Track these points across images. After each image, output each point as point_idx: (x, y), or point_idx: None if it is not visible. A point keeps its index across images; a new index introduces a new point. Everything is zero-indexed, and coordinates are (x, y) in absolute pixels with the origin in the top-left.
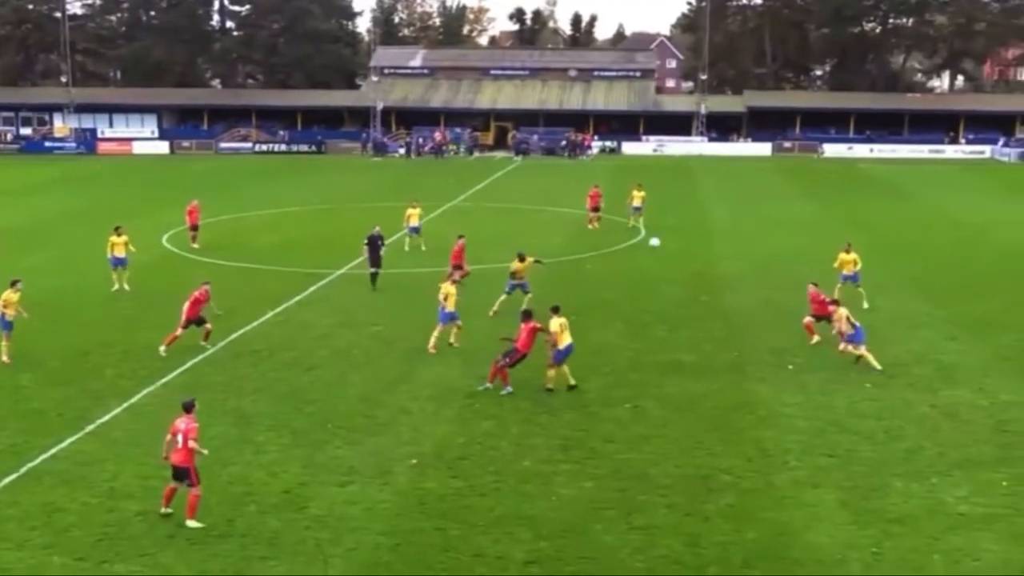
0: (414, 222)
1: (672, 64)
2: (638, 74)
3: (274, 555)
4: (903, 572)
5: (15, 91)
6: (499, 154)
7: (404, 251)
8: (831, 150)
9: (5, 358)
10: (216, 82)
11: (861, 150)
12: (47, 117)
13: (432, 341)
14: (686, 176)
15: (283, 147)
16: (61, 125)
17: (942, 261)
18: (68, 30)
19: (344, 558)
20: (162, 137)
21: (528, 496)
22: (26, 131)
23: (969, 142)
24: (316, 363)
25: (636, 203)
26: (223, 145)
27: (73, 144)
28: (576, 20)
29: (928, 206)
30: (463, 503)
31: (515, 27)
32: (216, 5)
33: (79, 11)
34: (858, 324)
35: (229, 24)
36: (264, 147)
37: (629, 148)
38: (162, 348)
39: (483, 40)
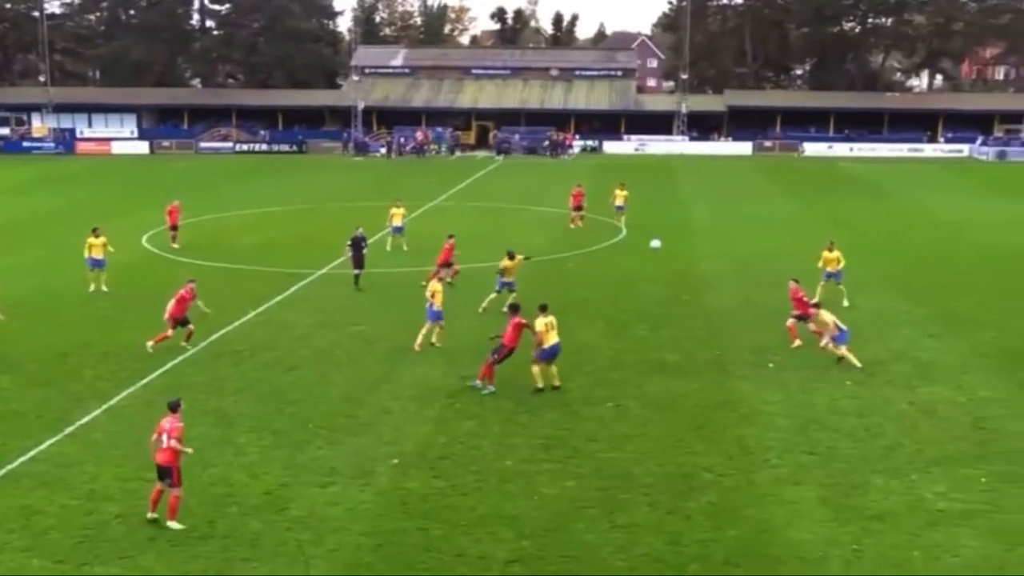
0: (397, 222)
1: (653, 63)
2: (619, 73)
3: (255, 556)
4: (883, 568)
5: None
6: (481, 153)
7: (386, 251)
8: (811, 149)
9: None
10: (196, 81)
11: (841, 149)
12: (25, 117)
13: (419, 339)
14: (667, 175)
15: (264, 147)
16: (40, 125)
17: (921, 259)
18: (46, 29)
19: (326, 559)
20: (142, 137)
21: (510, 495)
22: (4, 131)
23: (948, 141)
24: (297, 363)
25: (619, 202)
26: (203, 145)
27: (52, 144)
28: (557, 19)
29: (907, 205)
30: (445, 503)
31: (496, 26)
32: (196, 4)
33: (57, 10)
34: (844, 327)
35: (209, 23)
36: (245, 147)
37: (610, 147)
38: (150, 344)
39: (464, 40)
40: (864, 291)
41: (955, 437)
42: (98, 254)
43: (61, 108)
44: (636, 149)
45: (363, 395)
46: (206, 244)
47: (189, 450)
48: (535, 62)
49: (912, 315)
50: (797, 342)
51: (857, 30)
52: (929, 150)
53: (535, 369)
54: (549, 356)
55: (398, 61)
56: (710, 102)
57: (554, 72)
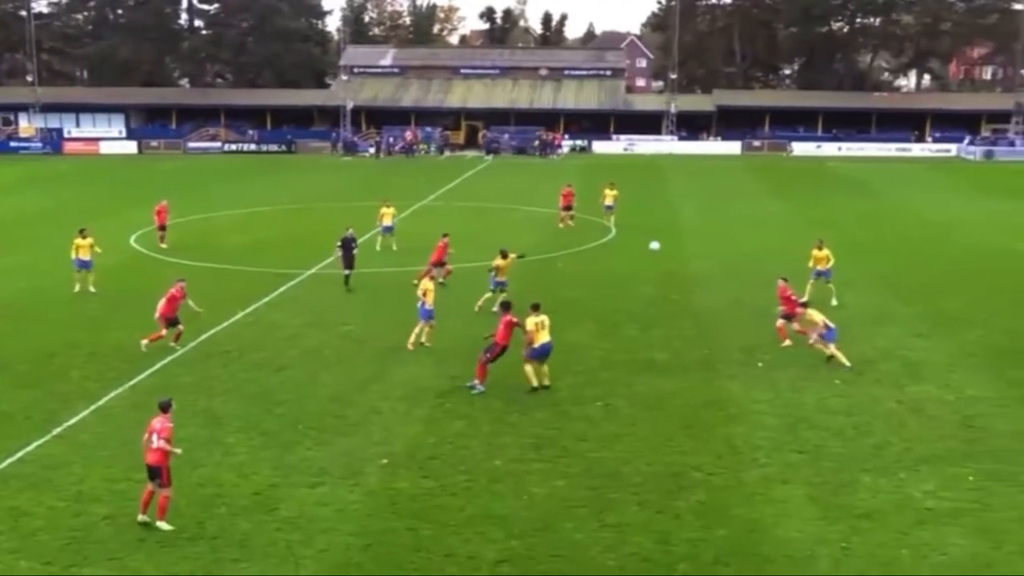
0: (387, 221)
1: (642, 63)
2: (608, 73)
3: (245, 557)
4: (872, 567)
5: None
6: (470, 153)
7: (376, 250)
8: (800, 149)
9: None
10: (184, 81)
11: (829, 149)
12: (12, 117)
13: (412, 338)
14: (656, 175)
15: (252, 147)
16: (27, 125)
17: (909, 259)
18: (34, 29)
19: (315, 559)
20: (130, 137)
21: (499, 495)
22: None
23: (935, 141)
24: (286, 363)
25: (608, 202)
26: (192, 145)
27: (39, 144)
28: (546, 19)
29: (895, 204)
30: (434, 503)
31: (485, 26)
32: (184, 4)
33: (45, 9)
34: (832, 325)
35: (197, 23)
36: (233, 147)
37: (600, 147)
38: (144, 343)
39: (453, 39)
40: (852, 290)
41: (943, 435)
42: (85, 255)
43: (48, 108)
44: (625, 149)
45: (352, 395)
46: (194, 244)
47: (178, 451)
48: (524, 62)
49: (900, 314)
50: (787, 342)
51: (845, 30)
52: (917, 150)
53: (528, 368)
54: (539, 355)
55: (387, 61)
56: (699, 102)
57: (543, 72)
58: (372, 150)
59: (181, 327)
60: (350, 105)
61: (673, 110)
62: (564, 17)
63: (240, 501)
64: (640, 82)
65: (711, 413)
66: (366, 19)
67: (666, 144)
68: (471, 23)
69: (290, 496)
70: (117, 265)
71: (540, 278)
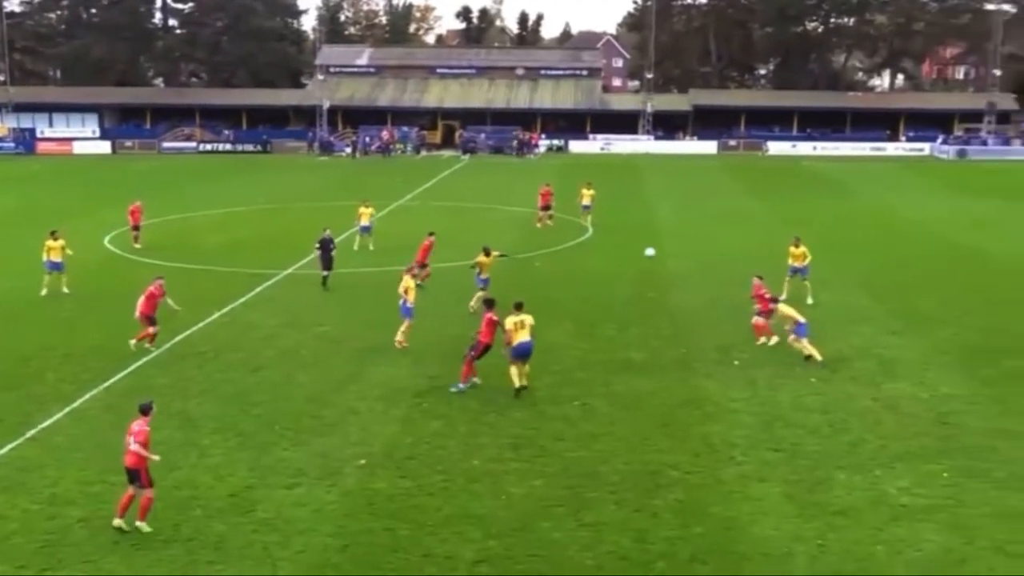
0: (365, 221)
1: (618, 63)
2: (585, 73)
3: (221, 559)
4: (847, 563)
5: None
6: (446, 153)
7: (353, 250)
8: (775, 148)
9: None
10: (159, 81)
11: (804, 148)
12: None
13: (399, 336)
14: (633, 174)
15: (228, 146)
16: None
17: (883, 257)
18: (6, 28)
19: (292, 560)
20: (103, 137)
21: (477, 495)
22: None
23: (909, 140)
24: (263, 364)
25: (585, 201)
26: (166, 145)
27: (11, 144)
28: (523, 19)
29: (870, 203)
30: (412, 503)
31: (462, 26)
32: (158, 3)
33: (17, 8)
34: (802, 320)
35: (172, 22)
36: (208, 147)
37: (576, 146)
38: (133, 342)
39: (430, 39)
40: (827, 288)
41: (918, 433)
42: (56, 257)
43: (21, 108)
44: (602, 148)
45: (329, 396)
46: (169, 244)
47: (155, 457)
48: (501, 61)
49: (875, 312)
50: (762, 340)
51: (820, 30)
52: (891, 149)
53: (513, 369)
54: (517, 354)
55: (363, 60)
56: (675, 101)
57: (520, 71)
58: (348, 150)
59: (157, 327)
60: (326, 105)
61: (649, 110)
62: (540, 17)
63: (216, 503)
64: (616, 82)
65: (688, 412)
66: (342, 18)
67: (642, 144)
68: (447, 23)
69: (267, 497)
70: (91, 266)
71: (517, 278)
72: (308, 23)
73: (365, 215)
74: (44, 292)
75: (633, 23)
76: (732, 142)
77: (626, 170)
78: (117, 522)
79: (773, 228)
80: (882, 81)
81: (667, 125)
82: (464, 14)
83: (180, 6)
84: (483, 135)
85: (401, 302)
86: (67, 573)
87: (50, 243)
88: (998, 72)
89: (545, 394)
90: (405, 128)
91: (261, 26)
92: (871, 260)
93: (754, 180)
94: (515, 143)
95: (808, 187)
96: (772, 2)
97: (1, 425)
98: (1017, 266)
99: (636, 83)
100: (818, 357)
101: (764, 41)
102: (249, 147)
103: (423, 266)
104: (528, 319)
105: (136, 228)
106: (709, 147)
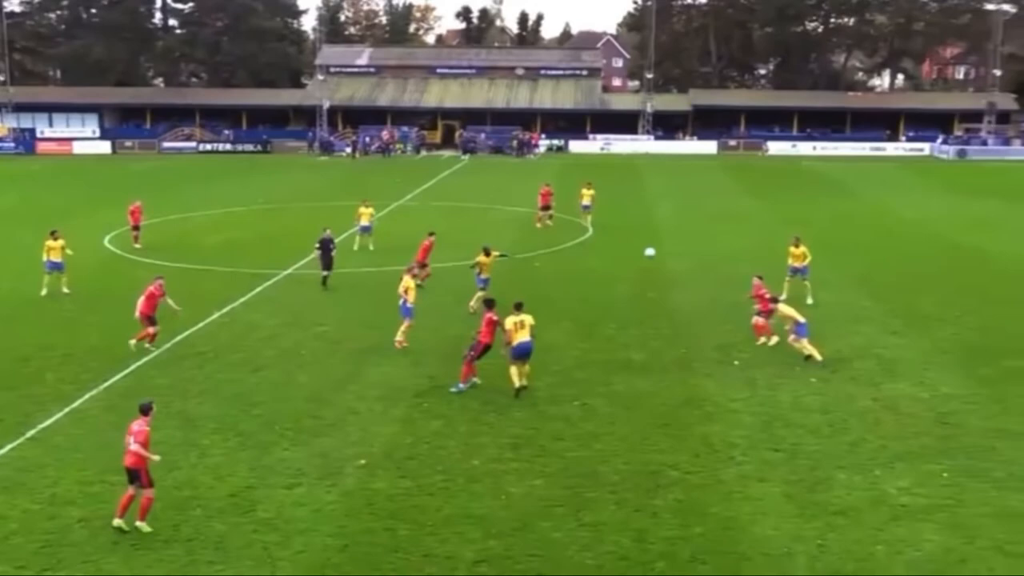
0: (365, 221)
1: (618, 63)
2: (585, 73)
3: (221, 559)
4: (847, 563)
5: None
6: (446, 153)
7: (353, 250)
8: (775, 148)
9: None
10: (159, 81)
11: (804, 148)
12: None
13: (399, 336)
14: (633, 174)
15: (228, 146)
16: None
17: (883, 257)
18: (6, 28)
19: (292, 561)
20: (103, 137)
21: (477, 495)
22: None
23: (909, 140)
24: (263, 364)
25: (585, 201)
26: (166, 145)
27: (11, 144)
28: (523, 19)
29: (870, 203)
30: (412, 503)
31: (462, 26)
32: (158, 3)
33: (17, 8)
34: (802, 320)
35: (172, 22)
36: (208, 146)
37: (576, 146)
38: (132, 342)
39: (430, 39)
40: (827, 288)
41: (918, 433)
42: (56, 257)
43: (21, 108)
44: (602, 148)
45: (329, 396)
46: (170, 244)
47: (156, 457)
48: (500, 61)
49: (874, 312)
50: (762, 339)
51: (820, 30)
52: (891, 149)
53: (513, 370)
54: (517, 354)
55: (363, 60)
56: (675, 101)
57: (520, 71)
58: (348, 150)
59: (158, 328)
60: (326, 105)
61: (649, 109)
62: (540, 17)
63: (216, 503)
64: (616, 82)
65: (688, 412)
66: (342, 18)
67: (642, 143)
68: (447, 23)
69: (267, 497)
70: (91, 266)
71: (517, 277)
72: (308, 23)
73: (365, 215)
74: (44, 292)
75: (633, 23)
76: (732, 142)
77: (626, 170)
78: (117, 522)
79: (773, 228)
80: (882, 81)
81: (667, 125)
82: (464, 14)
83: (180, 6)
84: (483, 135)
85: (401, 302)
86: (67, 573)
87: (50, 243)
88: (998, 72)
89: (545, 394)
90: (405, 128)
91: (261, 26)
92: (871, 260)
93: (754, 180)
94: (514, 143)
95: (808, 187)
96: (772, 2)
97: (1, 425)
98: (1016, 266)
99: (636, 83)
100: (818, 357)
101: (764, 41)
102: (249, 147)
103: (423, 266)
104: (528, 319)
105: (136, 228)
106: (709, 147)
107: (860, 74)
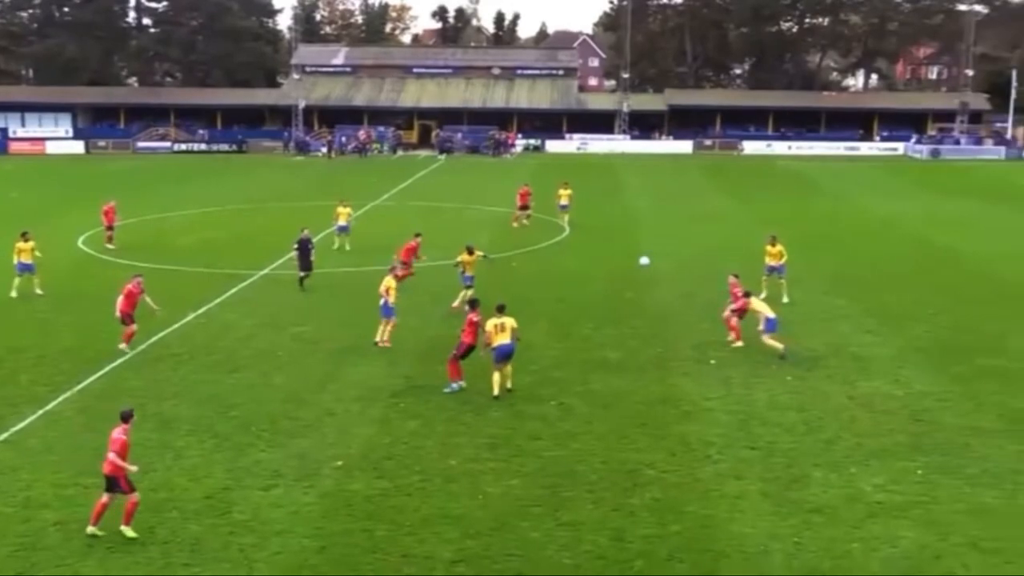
0: (342, 221)
1: (595, 63)
2: (561, 72)
3: (197, 562)
4: (824, 560)
5: None
6: (423, 153)
7: (331, 250)
8: (750, 147)
9: None
10: (133, 80)
11: (779, 147)
12: None
13: (383, 336)
14: (609, 174)
15: (203, 146)
16: None
17: (857, 256)
18: None
19: (269, 562)
20: (77, 136)
21: (455, 495)
22: None
23: (883, 139)
24: (239, 365)
25: (563, 201)
26: (141, 144)
27: None
28: (499, 18)
29: (844, 202)
30: (389, 503)
31: (438, 25)
32: (132, 1)
33: None
34: (771, 315)
35: (146, 21)
36: (183, 146)
37: (553, 146)
38: (121, 346)
39: (406, 38)
40: (802, 287)
41: (892, 430)
42: (27, 259)
43: None
44: (578, 148)
45: (306, 396)
46: (144, 245)
47: (133, 468)
48: (477, 61)
49: (849, 310)
50: (732, 338)
51: (794, 30)
52: (865, 148)
53: (495, 376)
54: (497, 357)
55: (339, 60)
56: (651, 101)
57: (496, 71)
58: (324, 150)
59: (135, 327)
60: (302, 104)
61: (625, 109)
62: (516, 16)
63: (191, 505)
64: (592, 81)
65: (665, 411)
66: (317, 18)
67: (619, 143)
68: (423, 22)
69: (243, 499)
70: (65, 267)
71: (494, 277)
72: (284, 22)
73: (343, 215)
74: (14, 294)
75: (609, 23)
76: (708, 142)
77: (603, 169)
78: (91, 529)
79: (749, 227)
80: (856, 81)
81: (643, 125)
82: (440, 14)
83: (154, 5)
84: (460, 135)
85: (382, 302)
86: None
87: (20, 245)
88: (970, 72)
89: (522, 394)
90: (381, 128)
91: (236, 25)
92: (845, 259)
93: (730, 179)
94: (491, 143)
95: (783, 187)
96: (747, 2)
97: None
98: (989, 266)
99: (612, 83)
100: (779, 347)
101: (739, 41)
102: (224, 147)
103: (405, 264)
104: (509, 322)
105: (110, 228)
106: (685, 147)
107: (834, 74)
